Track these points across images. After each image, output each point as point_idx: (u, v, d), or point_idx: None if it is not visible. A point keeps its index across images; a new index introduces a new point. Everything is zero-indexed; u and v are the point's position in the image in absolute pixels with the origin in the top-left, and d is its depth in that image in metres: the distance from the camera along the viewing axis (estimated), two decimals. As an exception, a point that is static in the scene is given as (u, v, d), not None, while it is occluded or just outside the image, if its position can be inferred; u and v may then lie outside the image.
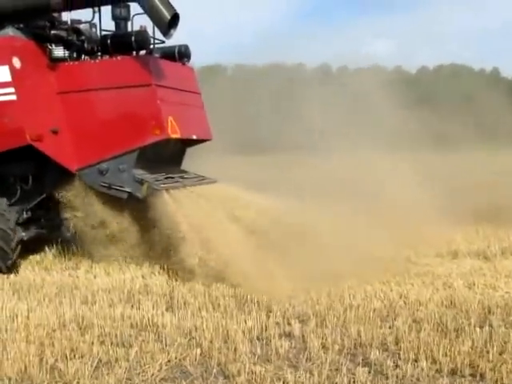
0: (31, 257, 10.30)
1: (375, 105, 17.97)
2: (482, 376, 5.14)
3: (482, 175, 16.93)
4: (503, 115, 26.82)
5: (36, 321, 6.64)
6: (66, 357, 5.64)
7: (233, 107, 23.27)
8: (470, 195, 12.83)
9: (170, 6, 8.82)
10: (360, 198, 11.03)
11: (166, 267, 8.91)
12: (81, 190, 9.40)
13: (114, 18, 9.88)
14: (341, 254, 8.33)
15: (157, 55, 9.95)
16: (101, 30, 10.07)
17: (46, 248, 10.44)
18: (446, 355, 5.46)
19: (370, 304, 7.03)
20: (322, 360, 5.46)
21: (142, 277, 8.79)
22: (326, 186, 11.99)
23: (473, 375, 5.18)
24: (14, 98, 9.11)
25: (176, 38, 9.53)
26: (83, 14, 10.17)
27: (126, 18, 9.77)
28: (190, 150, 10.80)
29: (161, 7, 8.72)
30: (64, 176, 9.38)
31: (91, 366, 5.38)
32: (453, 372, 5.23)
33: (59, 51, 9.73)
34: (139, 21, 9.80)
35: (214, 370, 5.36)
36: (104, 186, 9.29)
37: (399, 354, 5.61)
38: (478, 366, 5.27)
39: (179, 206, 8.86)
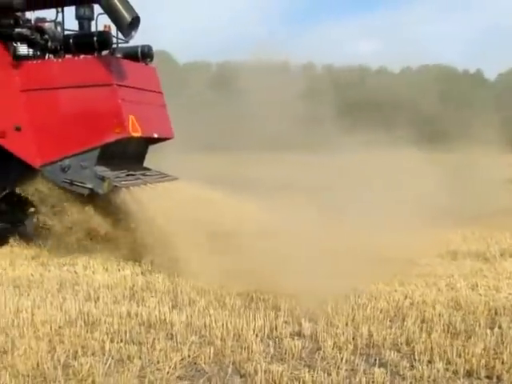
0: (26, 251, 10.21)
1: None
2: (499, 378, 5.14)
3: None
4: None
5: (41, 317, 6.54)
6: (77, 354, 5.57)
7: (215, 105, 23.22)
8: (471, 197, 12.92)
9: (130, 9, 9.12)
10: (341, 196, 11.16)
11: (164, 264, 8.85)
12: (43, 185, 9.69)
13: (78, 17, 10.18)
14: (338, 254, 8.34)
15: (119, 55, 10.26)
16: (63, 29, 10.27)
17: (40, 243, 10.34)
18: (460, 357, 5.46)
19: (377, 304, 7.02)
20: (337, 360, 5.44)
21: (142, 273, 8.73)
22: (308, 184, 12.08)
23: (489, 377, 5.18)
24: None
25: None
26: (48, 13, 10.46)
27: (90, 18, 10.13)
28: (155, 148, 11.17)
29: (121, 9, 9.02)
30: (27, 172, 9.68)
31: (104, 363, 5.31)
32: (469, 374, 5.23)
33: (23, 49, 10.00)
34: (104, 20, 10.05)
35: (229, 369, 5.32)
36: (66, 183, 9.56)
37: (413, 354, 5.59)
38: (493, 367, 5.28)
39: (138, 203, 9.14)
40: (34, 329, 6.19)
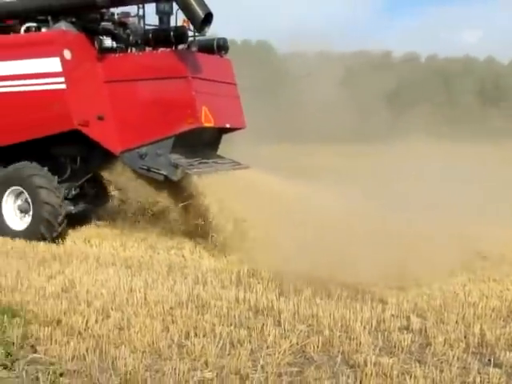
0: (136, 234, 10.59)
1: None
2: None
3: None
4: None
5: (154, 297, 6.79)
6: (189, 335, 5.74)
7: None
8: None
9: (203, 5, 9.55)
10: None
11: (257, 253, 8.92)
12: (123, 170, 10.30)
13: (158, 12, 10.56)
14: (443, 248, 8.15)
15: (195, 49, 10.62)
16: (144, 24, 10.82)
17: (149, 226, 10.73)
18: None
19: (489, 303, 6.81)
20: (449, 357, 5.32)
21: (246, 261, 8.83)
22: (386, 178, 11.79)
23: None
24: (63, 86, 10.05)
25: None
26: (131, 8, 11.09)
27: (170, 13, 10.45)
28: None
29: (195, 6, 9.46)
30: (108, 158, 10.29)
31: (216, 345, 5.44)
32: None
33: (107, 43, 10.63)
34: (183, 15, 10.36)
35: (338, 359, 5.33)
36: (143, 169, 10.08)
37: (530, 356, 5.41)
38: None
39: (208, 189, 9.49)
40: (147, 308, 6.43)
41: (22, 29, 10.79)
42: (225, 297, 6.90)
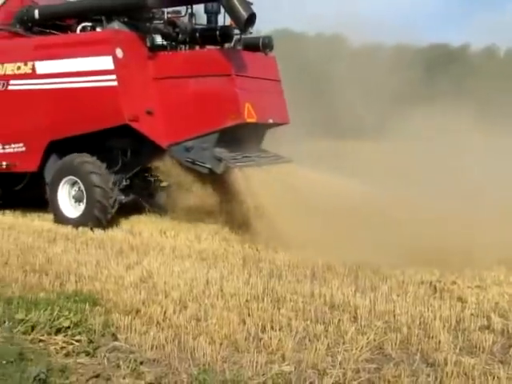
0: (210, 227, 10.71)
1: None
2: None
3: None
4: None
5: (230, 290, 6.84)
6: (265, 328, 5.76)
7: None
8: None
9: (247, 6, 9.96)
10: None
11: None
12: (170, 163, 10.73)
13: (206, 11, 11.00)
14: None
15: (239, 47, 11.10)
16: (193, 23, 11.24)
17: (220, 218, 10.84)
18: None
19: None
20: (534, 360, 5.16)
21: (321, 255, 8.78)
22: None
23: None
24: (115, 84, 10.54)
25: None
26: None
27: (217, 12, 10.87)
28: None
29: (239, 7, 9.83)
30: (157, 151, 10.71)
31: (292, 339, 5.44)
32: None
33: (158, 41, 11.17)
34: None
35: (417, 357, 5.23)
36: (188, 162, 10.56)
37: None
38: None
39: (249, 183, 9.82)
40: (223, 300, 6.48)
41: (79, 28, 11.37)
42: (300, 291, 6.88)
